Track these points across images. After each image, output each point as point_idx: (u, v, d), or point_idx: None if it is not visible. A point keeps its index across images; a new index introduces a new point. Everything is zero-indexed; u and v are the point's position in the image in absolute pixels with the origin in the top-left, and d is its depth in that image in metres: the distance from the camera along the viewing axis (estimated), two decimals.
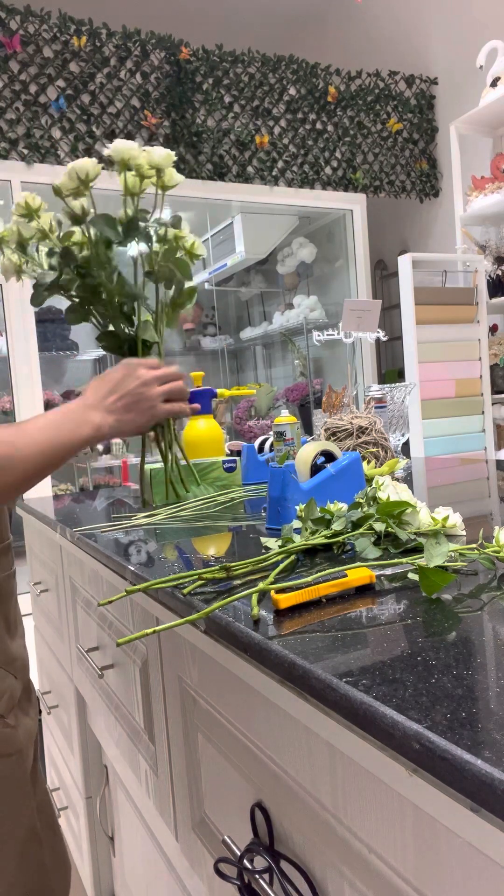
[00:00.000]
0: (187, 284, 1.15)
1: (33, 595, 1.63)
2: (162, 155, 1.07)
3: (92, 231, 1.07)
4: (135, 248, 1.09)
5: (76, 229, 1.09)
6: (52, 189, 1.07)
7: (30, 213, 1.06)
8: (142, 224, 1.08)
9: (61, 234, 1.09)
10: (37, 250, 1.10)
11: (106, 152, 1.06)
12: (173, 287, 1.13)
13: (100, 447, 4.16)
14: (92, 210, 1.08)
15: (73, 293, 1.08)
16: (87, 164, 1.03)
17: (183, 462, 1.23)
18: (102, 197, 1.11)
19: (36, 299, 1.08)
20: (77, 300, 1.09)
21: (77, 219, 1.07)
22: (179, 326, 4.48)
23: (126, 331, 1.11)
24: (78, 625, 1.21)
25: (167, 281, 1.11)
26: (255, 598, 0.58)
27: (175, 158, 1.08)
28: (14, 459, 0.69)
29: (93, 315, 1.11)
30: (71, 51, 3.13)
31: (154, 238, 1.10)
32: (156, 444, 1.16)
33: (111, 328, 1.11)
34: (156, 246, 1.10)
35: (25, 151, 3.07)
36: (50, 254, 1.08)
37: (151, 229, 1.10)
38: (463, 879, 0.36)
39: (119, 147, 1.04)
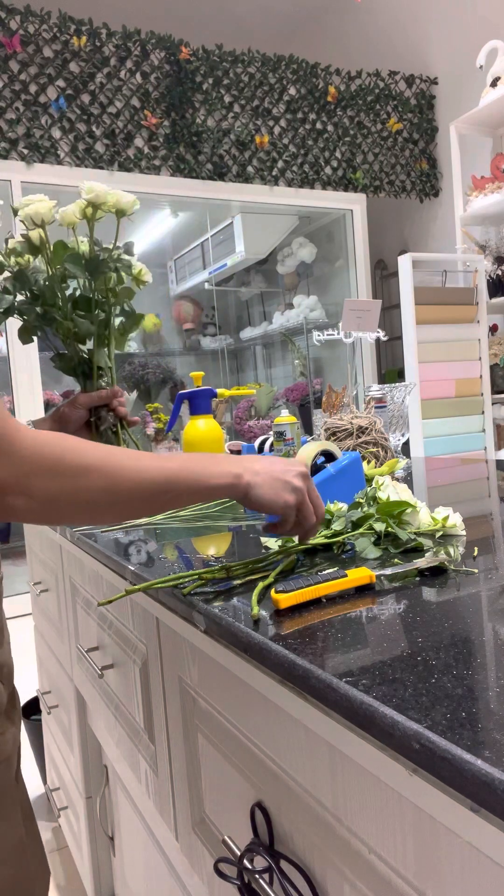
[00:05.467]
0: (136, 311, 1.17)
1: (33, 595, 1.63)
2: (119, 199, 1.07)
3: (48, 266, 1.08)
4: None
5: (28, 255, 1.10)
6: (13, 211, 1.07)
7: None
8: (98, 251, 1.09)
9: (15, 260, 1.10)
10: None
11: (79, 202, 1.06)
12: (120, 314, 1.15)
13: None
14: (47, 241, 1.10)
15: (26, 316, 1.09)
16: (40, 208, 1.04)
17: None
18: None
19: None
20: (27, 320, 1.10)
21: (35, 248, 1.08)
22: (179, 326, 4.49)
23: (80, 353, 1.13)
24: (78, 625, 1.20)
25: (121, 307, 1.13)
26: (255, 598, 0.58)
27: (131, 201, 1.07)
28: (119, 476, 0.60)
29: (46, 338, 1.12)
30: (71, 51, 3.13)
31: (112, 268, 1.11)
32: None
33: (64, 351, 1.13)
34: (114, 276, 1.11)
35: (25, 151, 3.06)
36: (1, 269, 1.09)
37: (108, 259, 1.11)
38: (463, 880, 0.36)
39: (91, 187, 1.06)
